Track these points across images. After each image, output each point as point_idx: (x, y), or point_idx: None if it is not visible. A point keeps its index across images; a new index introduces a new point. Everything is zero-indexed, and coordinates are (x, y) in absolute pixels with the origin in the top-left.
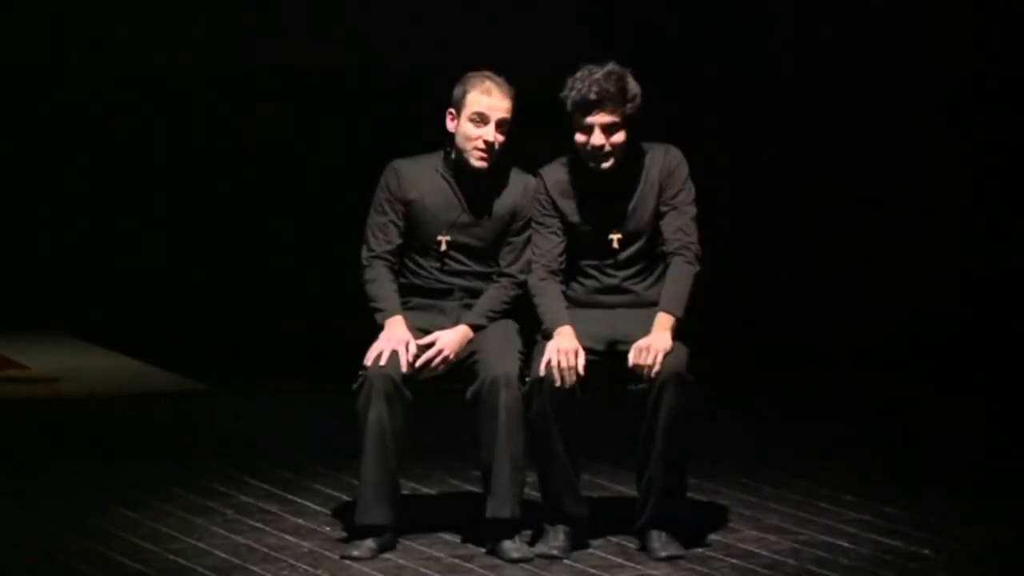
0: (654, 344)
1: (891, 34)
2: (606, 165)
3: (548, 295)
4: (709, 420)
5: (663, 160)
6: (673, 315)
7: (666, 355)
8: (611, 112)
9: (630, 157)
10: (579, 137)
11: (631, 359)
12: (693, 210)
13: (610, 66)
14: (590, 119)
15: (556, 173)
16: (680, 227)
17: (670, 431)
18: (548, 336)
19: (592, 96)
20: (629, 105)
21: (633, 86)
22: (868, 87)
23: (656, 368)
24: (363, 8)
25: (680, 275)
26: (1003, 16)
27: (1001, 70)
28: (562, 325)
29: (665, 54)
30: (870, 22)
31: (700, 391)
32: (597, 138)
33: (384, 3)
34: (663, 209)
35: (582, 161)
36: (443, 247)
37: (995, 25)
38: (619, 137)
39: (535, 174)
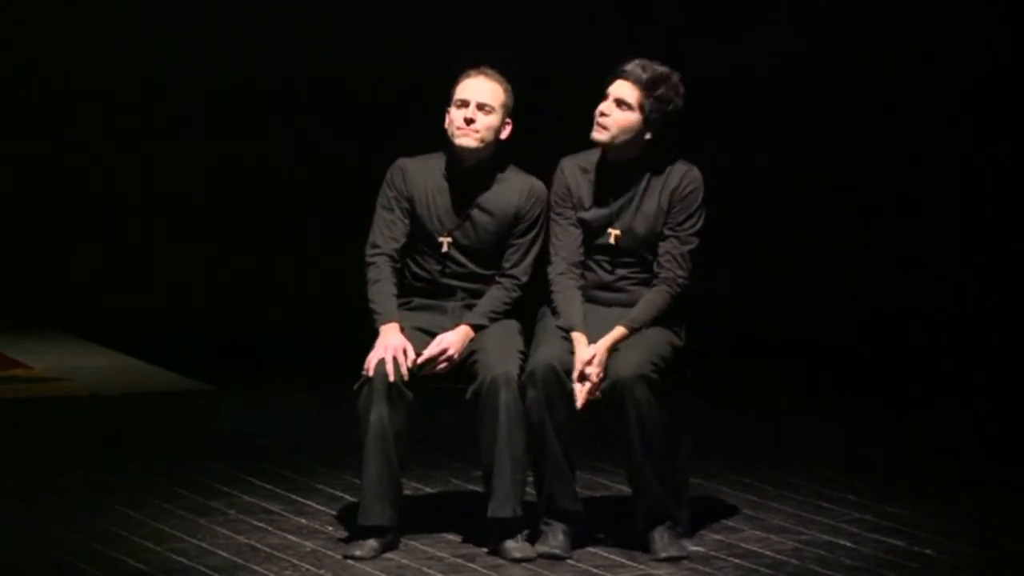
0: (592, 368)
1: (892, 32)
2: (597, 136)
3: (567, 293)
4: (711, 420)
5: (680, 180)
6: (629, 331)
7: (606, 365)
8: (628, 90)
9: (650, 163)
10: (598, 106)
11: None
12: (694, 242)
13: (664, 67)
14: (610, 88)
15: (577, 161)
16: (675, 257)
17: (644, 430)
18: (567, 330)
19: (622, 68)
20: (651, 100)
21: (668, 91)
22: (869, 85)
23: (596, 382)
24: (364, 10)
25: (656, 301)
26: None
27: (1001, 70)
28: (577, 329)
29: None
30: (870, 17)
31: (665, 388)
32: (604, 104)
33: (386, 4)
34: (666, 232)
35: (600, 156)
36: (444, 248)
37: (994, 21)
38: (625, 118)
39: (540, 174)
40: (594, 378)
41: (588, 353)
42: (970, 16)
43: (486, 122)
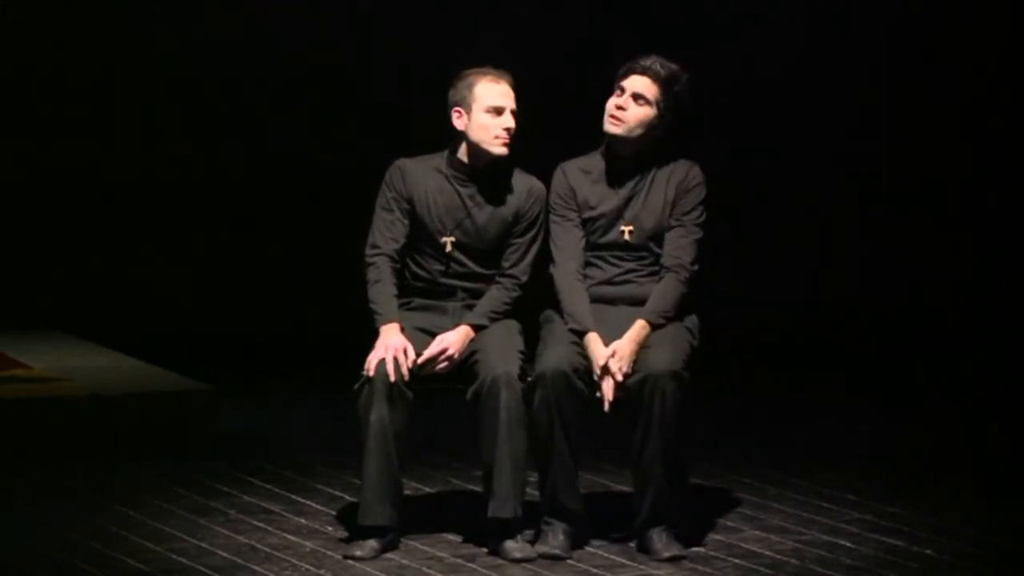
0: (615, 363)
1: (891, 33)
2: (614, 128)
3: (574, 294)
4: (711, 420)
5: (684, 175)
6: (651, 324)
7: (634, 359)
8: (646, 85)
9: (654, 159)
10: (610, 100)
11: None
12: (699, 232)
13: (678, 66)
14: (625, 82)
15: (577, 164)
16: (682, 246)
17: (664, 427)
18: (577, 333)
19: (638, 63)
20: (666, 96)
21: (683, 90)
22: (869, 84)
23: (621, 378)
24: (362, 11)
25: (668, 290)
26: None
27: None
28: (591, 330)
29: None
30: (872, 19)
31: (691, 388)
32: (620, 98)
33: (384, 5)
34: (672, 223)
35: (602, 155)
36: (447, 248)
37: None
38: (642, 113)
39: (539, 175)
40: (619, 375)
41: (609, 349)
42: (970, 16)
43: (514, 127)
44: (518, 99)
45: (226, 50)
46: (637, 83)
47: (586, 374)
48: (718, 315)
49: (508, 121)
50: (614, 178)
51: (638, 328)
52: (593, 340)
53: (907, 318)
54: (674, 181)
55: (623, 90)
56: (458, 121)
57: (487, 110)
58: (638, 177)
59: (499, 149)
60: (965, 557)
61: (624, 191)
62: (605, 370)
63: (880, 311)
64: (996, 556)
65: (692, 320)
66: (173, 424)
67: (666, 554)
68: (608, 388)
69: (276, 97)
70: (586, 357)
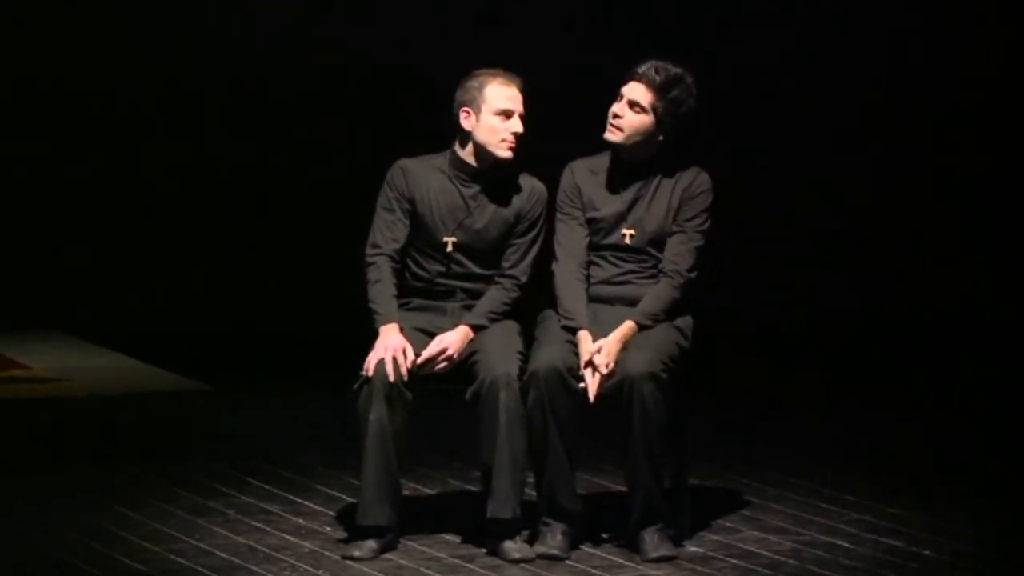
0: (600, 358)
1: (891, 38)
2: (612, 137)
3: (572, 292)
4: (711, 420)
5: (691, 181)
6: (638, 325)
7: (616, 361)
8: (641, 92)
9: (662, 163)
10: (612, 106)
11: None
12: (700, 240)
13: (677, 69)
14: (624, 89)
15: (586, 164)
16: (681, 252)
17: (645, 428)
18: (569, 330)
19: (636, 69)
20: (664, 102)
21: (681, 93)
22: (867, 85)
23: (605, 373)
24: (361, 10)
25: (662, 294)
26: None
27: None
28: (583, 327)
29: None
30: (872, 19)
31: (682, 389)
32: (617, 105)
33: (383, 5)
34: (674, 229)
35: (611, 158)
36: (448, 248)
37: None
38: (638, 120)
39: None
40: (603, 369)
41: (596, 345)
42: (970, 16)
43: (522, 132)
44: (525, 103)
45: (226, 51)
46: (633, 90)
47: (579, 372)
48: (718, 316)
49: (516, 125)
50: (620, 181)
51: (625, 328)
52: (584, 337)
53: (907, 318)
54: (680, 187)
55: (622, 96)
56: (465, 121)
57: (496, 113)
58: (644, 181)
59: (505, 153)
60: (965, 557)
61: (628, 195)
62: (590, 364)
63: (880, 311)
64: (996, 556)
65: (685, 320)
66: (173, 424)
67: (654, 554)
68: (593, 381)
69: (273, 96)
70: (579, 355)
